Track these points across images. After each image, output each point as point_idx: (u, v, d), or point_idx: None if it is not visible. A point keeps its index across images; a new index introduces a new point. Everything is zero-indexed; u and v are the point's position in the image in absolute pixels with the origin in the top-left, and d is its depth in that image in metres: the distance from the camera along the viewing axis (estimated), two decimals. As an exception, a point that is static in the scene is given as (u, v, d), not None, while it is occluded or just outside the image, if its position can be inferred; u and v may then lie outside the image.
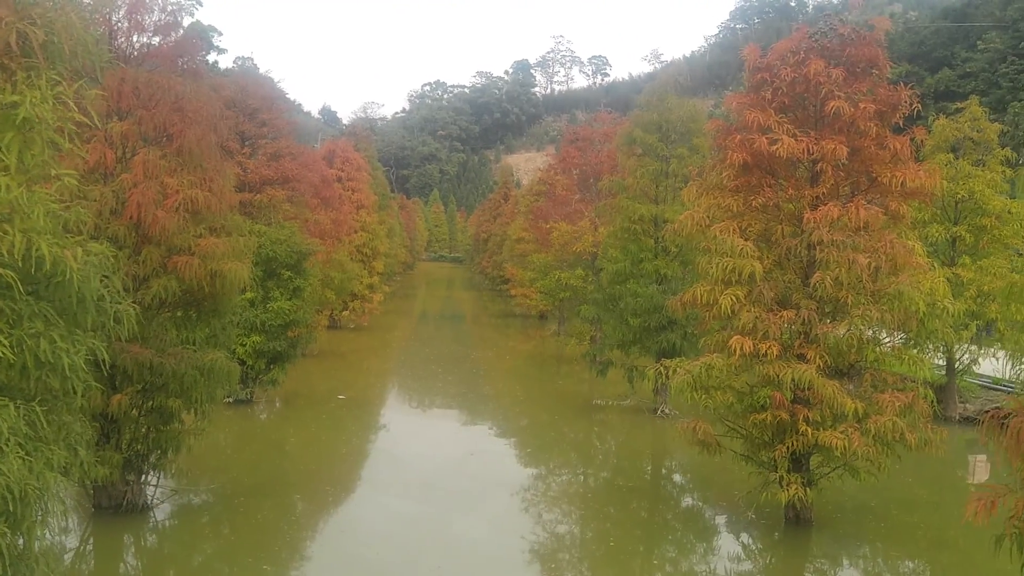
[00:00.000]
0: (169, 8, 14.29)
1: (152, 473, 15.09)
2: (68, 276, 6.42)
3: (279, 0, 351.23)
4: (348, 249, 38.47)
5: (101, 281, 7.02)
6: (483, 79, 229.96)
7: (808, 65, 14.86)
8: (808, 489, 14.85)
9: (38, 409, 6.21)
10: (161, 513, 15.25)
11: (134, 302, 13.65)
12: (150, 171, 13.31)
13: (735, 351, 14.25)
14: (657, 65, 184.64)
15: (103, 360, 6.99)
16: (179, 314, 14.94)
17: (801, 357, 14.58)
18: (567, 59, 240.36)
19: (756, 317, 14.39)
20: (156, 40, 14.45)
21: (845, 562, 15.04)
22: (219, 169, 14.79)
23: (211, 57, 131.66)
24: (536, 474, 20.19)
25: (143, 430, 14.51)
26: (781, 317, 14.43)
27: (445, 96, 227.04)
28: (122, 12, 13.93)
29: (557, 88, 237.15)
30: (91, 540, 14.10)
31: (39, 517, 6.25)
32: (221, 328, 15.26)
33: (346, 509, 17.09)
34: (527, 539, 14.99)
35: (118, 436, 14.27)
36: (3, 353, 5.92)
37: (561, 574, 13.83)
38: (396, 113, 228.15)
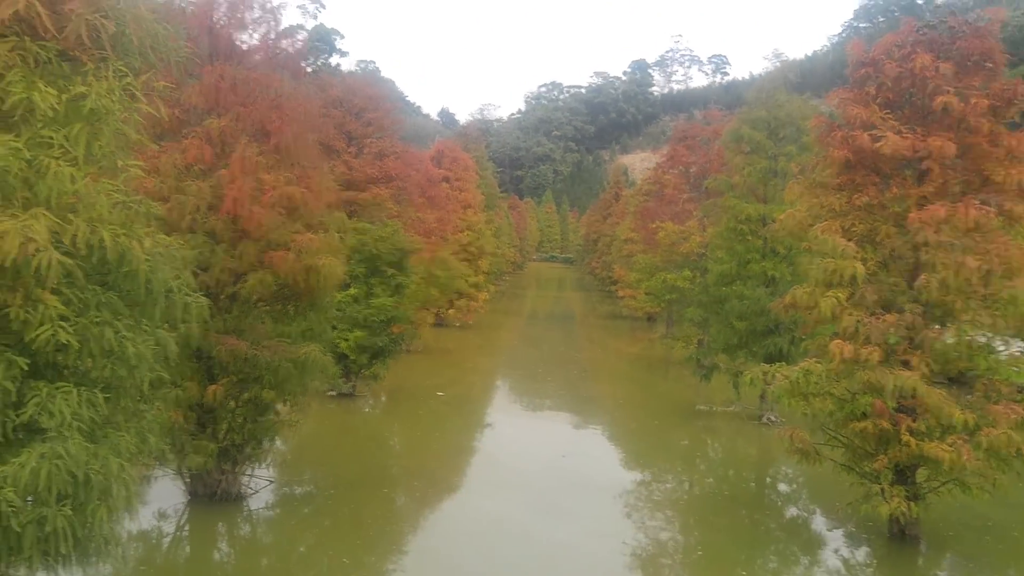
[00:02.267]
0: (268, 6, 14.63)
1: (248, 463, 15.46)
2: (136, 266, 6.56)
3: (402, 5, 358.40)
4: (453, 248, 38.83)
5: (174, 274, 7.14)
6: (600, 79, 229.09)
7: (914, 59, 14.11)
8: (912, 504, 14.07)
9: (99, 396, 6.36)
10: (256, 503, 15.63)
11: (231, 295, 14.19)
12: (247, 167, 13.65)
13: (835, 356, 13.68)
14: (778, 64, 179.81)
15: (169, 352, 7.11)
16: (277, 308, 15.29)
17: (906, 364, 13.84)
18: (686, 58, 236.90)
19: (857, 321, 13.76)
20: (256, 38, 14.84)
21: (954, 583, 14.23)
22: (317, 167, 15.10)
23: (333, 59, 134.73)
24: (635, 479, 19.78)
25: (239, 420, 14.90)
26: (884, 321, 13.74)
27: (561, 97, 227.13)
28: (223, 10, 14.32)
29: (675, 87, 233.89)
30: (186, 527, 14.58)
31: (103, 501, 6.40)
32: (317, 322, 15.54)
33: (441, 507, 17.11)
34: (628, 544, 14.73)
35: (214, 426, 14.71)
36: (66, 339, 6.10)
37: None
38: (512, 114, 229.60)
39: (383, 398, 26.25)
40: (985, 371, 14.36)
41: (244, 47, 14.67)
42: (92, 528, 6.46)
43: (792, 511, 18.26)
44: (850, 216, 14.84)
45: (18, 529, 5.95)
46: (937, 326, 14.14)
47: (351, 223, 23.56)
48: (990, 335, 14.16)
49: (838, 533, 15.82)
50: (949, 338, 13.92)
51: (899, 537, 14.98)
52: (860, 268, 13.80)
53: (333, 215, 16.11)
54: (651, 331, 51.08)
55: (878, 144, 14.00)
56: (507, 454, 21.13)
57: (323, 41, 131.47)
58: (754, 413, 25.20)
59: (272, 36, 14.93)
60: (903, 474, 14.55)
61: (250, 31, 14.80)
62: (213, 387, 13.93)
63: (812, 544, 15.62)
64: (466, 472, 19.72)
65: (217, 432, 14.83)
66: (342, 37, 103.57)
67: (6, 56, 6.15)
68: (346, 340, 23.15)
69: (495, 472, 19.32)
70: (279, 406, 15.44)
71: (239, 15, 14.56)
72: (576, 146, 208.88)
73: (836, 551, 15.09)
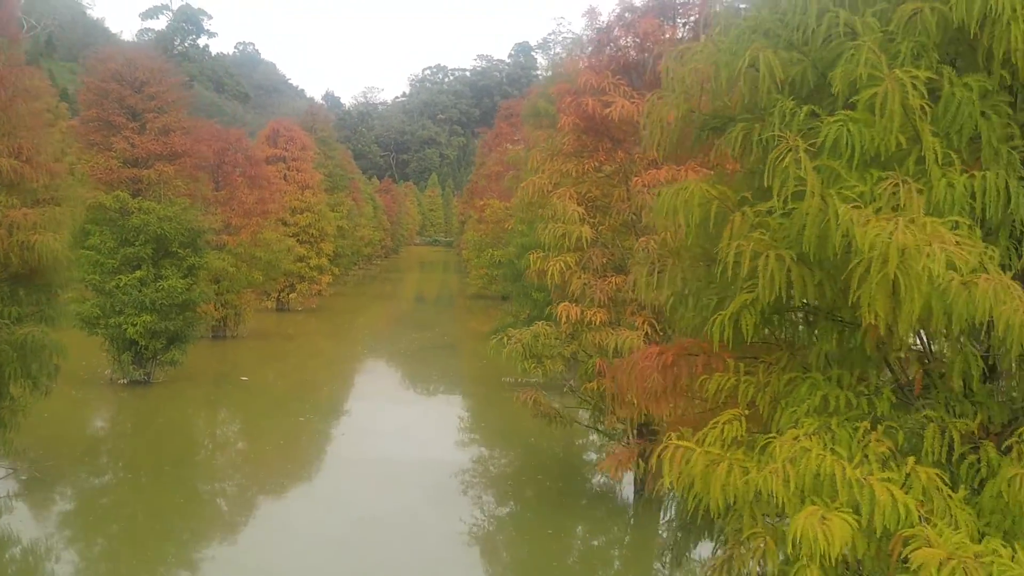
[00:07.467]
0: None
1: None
2: None
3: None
4: (292, 230, 38.26)
5: None
6: (484, 62, 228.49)
7: (641, 24, 14.36)
8: (642, 462, 14.39)
9: None
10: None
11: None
12: (-57, 139, 12.95)
13: (562, 318, 13.87)
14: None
15: None
16: (3, 288, 14.58)
17: (633, 324, 14.14)
18: (568, 40, 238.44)
19: (584, 283, 13.97)
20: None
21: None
22: (36, 138, 14.42)
23: (201, 41, 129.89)
24: (431, 456, 19.74)
25: (-40, 407, 14.19)
26: (609, 283, 13.99)
27: (446, 80, 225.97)
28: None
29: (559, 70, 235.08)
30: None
31: None
32: (47, 302, 14.90)
33: (245, 492, 16.79)
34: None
35: (-71, 412, 13.99)
36: None
37: (380, 551, 13.53)
38: (396, 97, 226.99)
39: (185, 386, 25.38)
40: (708, 329, 14.77)
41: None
42: None
43: (545, 478, 18.27)
44: (587, 182, 15.02)
45: None
46: (664, 286, 14.44)
47: (135, 202, 22.79)
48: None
49: (590, 495, 16.14)
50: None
51: (641, 491, 15.38)
52: (587, 231, 13.98)
53: (70, 190, 15.43)
54: (504, 308, 51.28)
55: (607, 110, 14.16)
56: (315, 437, 20.93)
57: (190, 22, 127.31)
58: (560, 383, 25.45)
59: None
60: (641, 431, 14.89)
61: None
62: (-82, 372, 13.22)
63: (562, 508, 15.78)
64: (270, 457, 19.27)
65: (-61, 419, 14.11)
66: (210, 18, 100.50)
67: None
68: (134, 325, 22.35)
69: (298, 455, 19.19)
70: (13, 390, 14.72)
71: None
72: (462, 130, 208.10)
73: (590, 512, 15.40)
